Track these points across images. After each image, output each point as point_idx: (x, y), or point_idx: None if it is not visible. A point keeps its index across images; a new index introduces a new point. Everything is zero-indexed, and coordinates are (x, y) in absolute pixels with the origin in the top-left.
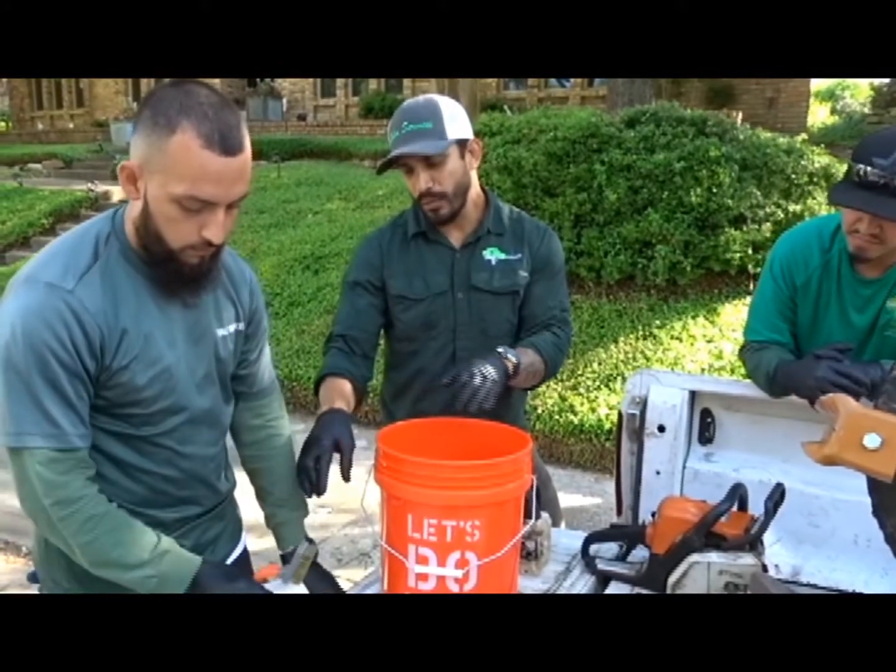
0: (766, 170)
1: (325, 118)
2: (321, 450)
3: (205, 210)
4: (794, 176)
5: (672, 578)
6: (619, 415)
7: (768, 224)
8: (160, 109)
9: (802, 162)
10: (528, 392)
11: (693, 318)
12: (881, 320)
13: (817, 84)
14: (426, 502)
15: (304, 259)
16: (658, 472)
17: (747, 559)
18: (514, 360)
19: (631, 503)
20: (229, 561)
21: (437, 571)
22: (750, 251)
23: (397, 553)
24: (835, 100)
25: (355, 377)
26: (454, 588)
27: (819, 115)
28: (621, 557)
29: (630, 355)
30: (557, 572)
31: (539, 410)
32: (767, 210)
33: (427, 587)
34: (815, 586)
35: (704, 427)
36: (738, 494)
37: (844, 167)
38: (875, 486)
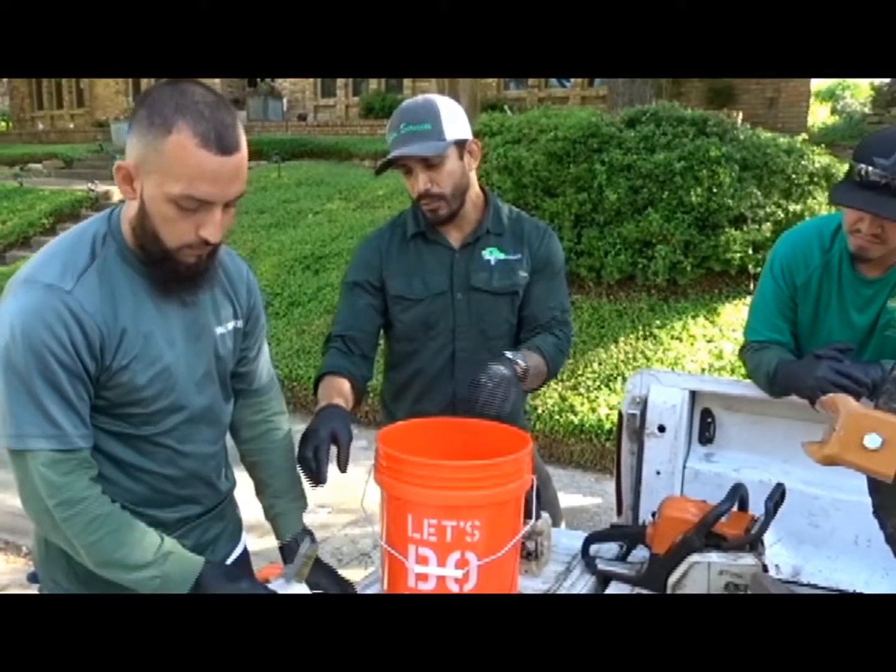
0: (766, 170)
1: (326, 118)
2: (318, 441)
3: (201, 209)
4: (794, 176)
5: (672, 579)
6: (620, 415)
7: (768, 224)
8: (156, 109)
9: (803, 162)
10: (528, 392)
11: (693, 317)
12: (882, 320)
13: (817, 84)
14: (426, 502)
15: (305, 259)
16: (658, 472)
17: (748, 559)
18: (522, 364)
19: (631, 503)
20: (229, 561)
21: (437, 571)
22: (750, 251)
23: (397, 553)
24: (835, 100)
25: (354, 376)
26: (454, 588)
27: (819, 115)
28: (621, 557)
29: (630, 355)
30: (557, 572)
31: (539, 410)
32: (768, 210)
33: (427, 587)
34: (815, 586)
35: (705, 427)
36: (738, 494)
37: (845, 167)
38: (875, 487)
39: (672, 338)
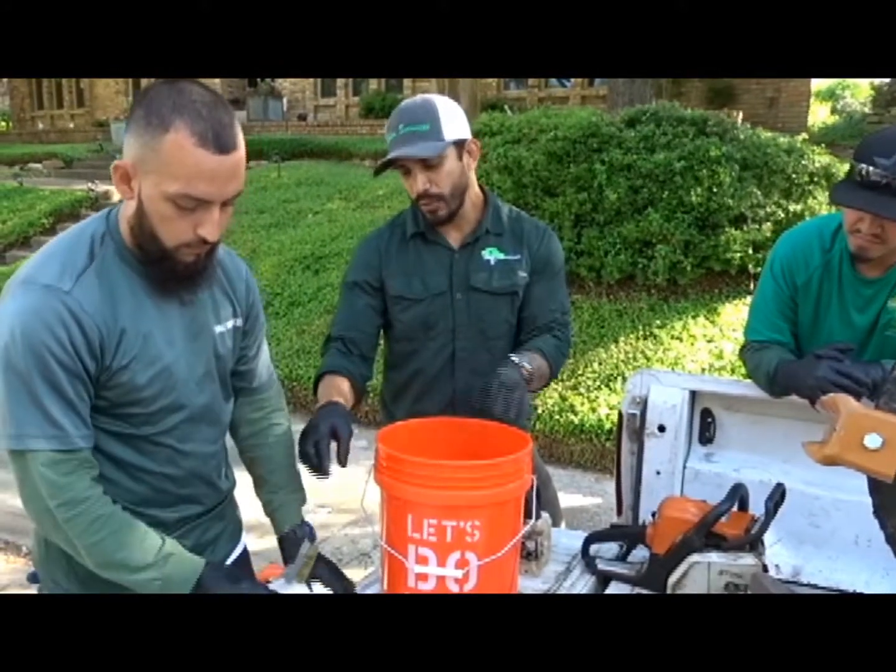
0: (766, 169)
1: (326, 118)
2: (319, 435)
3: (199, 208)
4: (794, 175)
5: (672, 579)
6: (620, 415)
7: (769, 224)
8: (153, 108)
9: (803, 161)
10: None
11: (693, 317)
12: (882, 320)
13: (818, 84)
14: (426, 502)
15: (305, 259)
16: (658, 472)
17: (748, 559)
18: (528, 367)
19: (631, 503)
20: (229, 560)
21: (437, 572)
22: (750, 251)
23: (397, 553)
24: (835, 99)
25: (354, 375)
26: (454, 588)
27: (819, 115)
28: (621, 557)
29: (630, 355)
30: (557, 572)
31: (539, 410)
32: (768, 210)
33: (427, 587)
34: (815, 587)
35: (705, 427)
36: (738, 494)
37: (845, 167)
38: (876, 487)
39: (672, 338)
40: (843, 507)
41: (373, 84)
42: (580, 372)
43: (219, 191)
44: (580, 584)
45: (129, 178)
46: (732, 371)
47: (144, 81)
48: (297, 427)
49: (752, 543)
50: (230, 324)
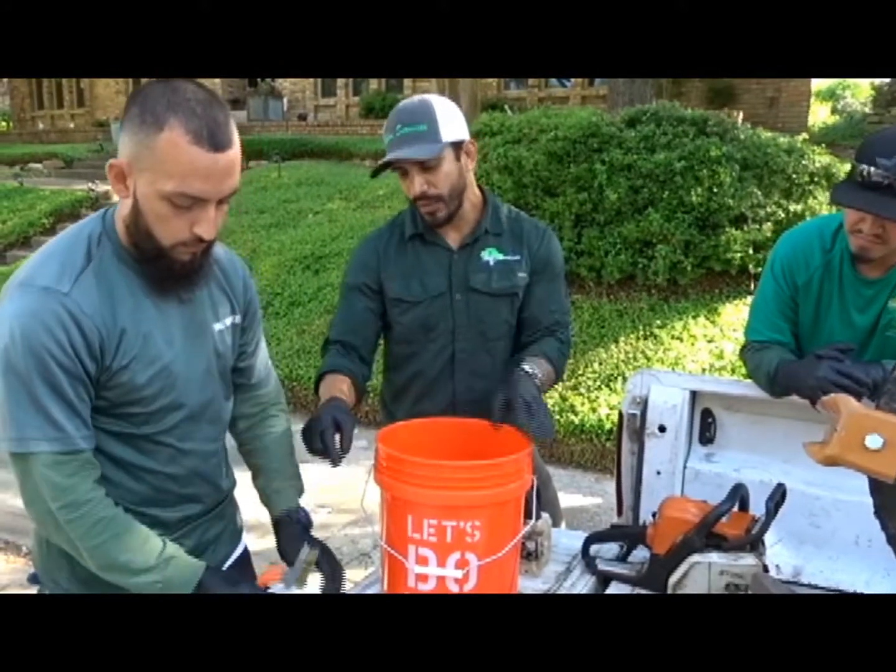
0: (766, 169)
1: (326, 118)
2: (323, 426)
3: (195, 206)
4: (794, 175)
5: (673, 579)
6: (620, 415)
7: (769, 224)
8: (147, 107)
9: (803, 161)
10: None
11: (694, 317)
12: (883, 320)
13: (818, 84)
14: (426, 502)
15: (305, 259)
16: (659, 473)
17: (748, 560)
18: (540, 376)
19: (631, 503)
20: (230, 561)
21: (437, 572)
22: (751, 251)
23: (397, 553)
24: (835, 99)
25: (354, 374)
26: (454, 588)
27: (820, 115)
28: (622, 558)
29: (631, 355)
30: (558, 573)
31: None
32: (768, 210)
33: (427, 588)
34: (816, 587)
35: (705, 427)
36: (739, 495)
37: (845, 167)
38: (877, 487)
39: (672, 338)
40: (843, 507)
41: (373, 84)
42: (580, 372)
43: (214, 189)
44: (580, 584)
45: (125, 177)
46: (733, 371)
47: (144, 81)
48: (298, 427)
49: (753, 544)
50: (229, 321)
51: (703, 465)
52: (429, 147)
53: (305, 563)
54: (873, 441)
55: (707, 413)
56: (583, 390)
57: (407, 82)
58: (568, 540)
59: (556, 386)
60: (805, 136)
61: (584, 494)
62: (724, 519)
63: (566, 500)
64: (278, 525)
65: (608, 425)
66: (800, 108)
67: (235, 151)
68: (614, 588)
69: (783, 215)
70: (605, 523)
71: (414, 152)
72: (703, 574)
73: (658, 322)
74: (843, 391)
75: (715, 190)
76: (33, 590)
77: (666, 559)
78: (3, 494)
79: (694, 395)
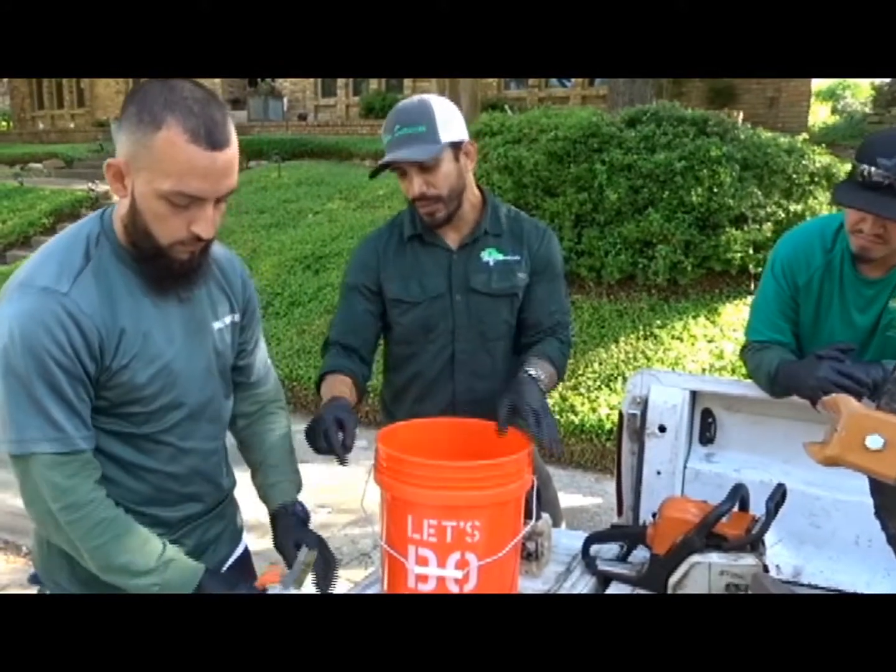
0: (767, 169)
1: (326, 118)
2: (326, 425)
3: (193, 205)
4: (795, 176)
5: (673, 579)
6: (620, 415)
7: (769, 224)
8: (145, 106)
9: (803, 161)
10: None
11: (694, 317)
12: (883, 320)
13: (818, 84)
14: (426, 503)
15: (305, 259)
16: (659, 473)
17: (748, 560)
18: (545, 381)
19: (632, 503)
20: (231, 560)
21: (437, 572)
22: (751, 251)
23: (397, 554)
24: (836, 99)
25: (355, 374)
26: (454, 589)
27: (820, 115)
28: (622, 558)
29: (631, 355)
30: (558, 573)
31: None
32: (768, 210)
33: (427, 588)
34: (816, 587)
35: (705, 427)
36: (739, 495)
37: (845, 167)
38: (878, 488)
39: (673, 338)
40: (843, 507)
41: (373, 84)
42: (580, 372)
43: (212, 187)
44: (580, 584)
45: (123, 176)
46: (733, 371)
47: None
48: (297, 427)
49: (753, 544)
50: (228, 319)
51: (704, 465)
52: (427, 148)
53: (304, 565)
54: (874, 441)
55: (707, 413)
56: (583, 390)
57: (407, 82)
58: (568, 540)
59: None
60: (805, 136)
61: (584, 494)
62: (724, 519)
63: (566, 500)
64: (275, 518)
65: (608, 425)
66: (800, 108)
67: (233, 150)
68: (614, 588)
69: (783, 215)
70: (606, 523)
71: (412, 153)
72: (704, 574)
73: (658, 322)
74: (844, 391)
75: (715, 190)
76: (34, 590)
77: (666, 559)
78: (2, 494)
79: (694, 395)
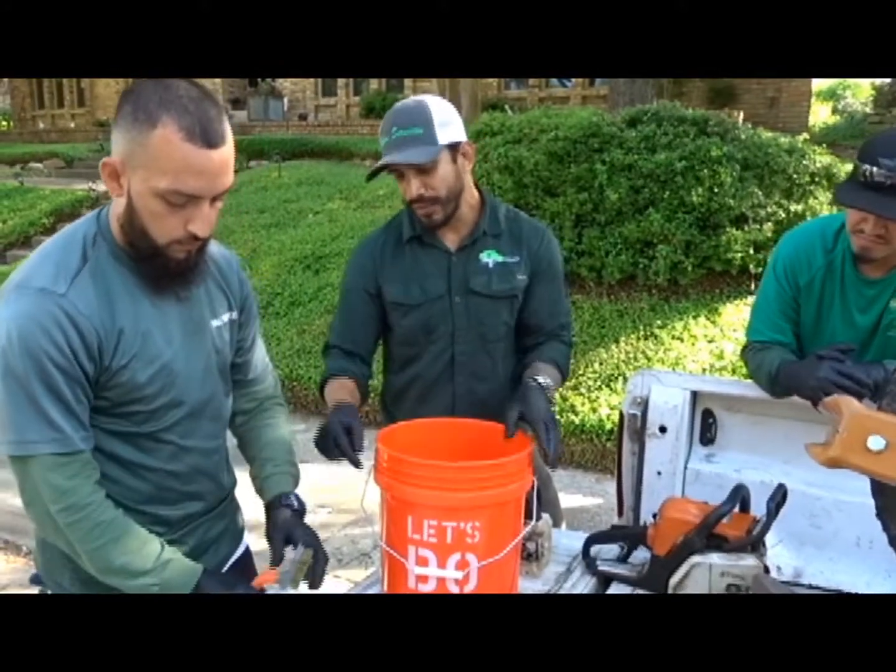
0: (767, 169)
1: (326, 118)
2: (335, 433)
3: (189, 204)
4: (795, 176)
5: (673, 580)
6: (621, 415)
7: (770, 224)
8: (140, 104)
9: (804, 162)
10: None
11: (694, 317)
12: (885, 320)
13: (819, 84)
14: (426, 503)
15: (305, 259)
16: (659, 473)
17: (749, 561)
18: (553, 387)
19: (632, 504)
20: (232, 560)
21: (437, 573)
22: (751, 251)
23: (397, 554)
24: (836, 99)
25: (357, 377)
26: (454, 590)
27: (820, 115)
28: (622, 559)
29: (631, 355)
30: (558, 573)
31: None
32: (769, 210)
33: (427, 588)
34: (817, 588)
35: (706, 428)
36: (739, 495)
37: (846, 167)
38: (879, 489)
39: (673, 338)
40: (844, 508)
41: (373, 84)
42: (581, 372)
43: (208, 186)
44: (581, 585)
45: (118, 175)
46: (733, 371)
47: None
48: (297, 427)
49: (754, 545)
50: (226, 317)
51: (704, 465)
52: (424, 150)
53: (300, 563)
54: (875, 442)
55: (708, 413)
56: (583, 390)
57: (407, 82)
58: (568, 540)
59: None
60: (806, 136)
61: (584, 495)
62: (724, 520)
63: (566, 500)
64: (269, 510)
65: (609, 425)
66: (800, 108)
67: (229, 148)
68: (615, 589)
69: (784, 215)
70: (606, 524)
71: (409, 156)
72: (704, 575)
73: (658, 322)
74: (845, 392)
75: (716, 190)
76: (34, 590)
77: (667, 560)
78: (3, 494)
79: (695, 395)
